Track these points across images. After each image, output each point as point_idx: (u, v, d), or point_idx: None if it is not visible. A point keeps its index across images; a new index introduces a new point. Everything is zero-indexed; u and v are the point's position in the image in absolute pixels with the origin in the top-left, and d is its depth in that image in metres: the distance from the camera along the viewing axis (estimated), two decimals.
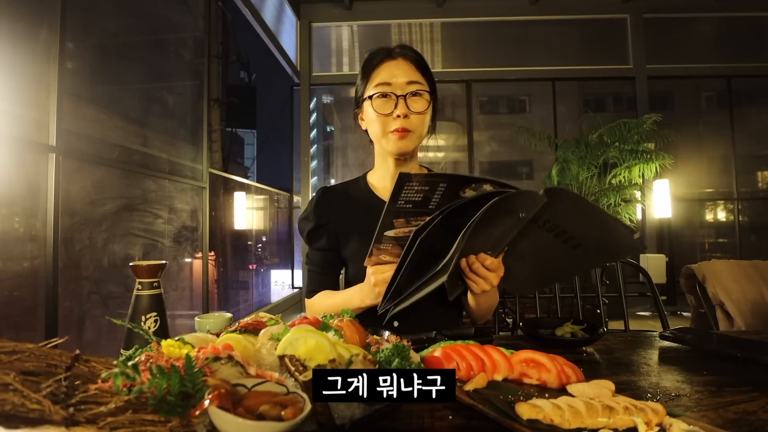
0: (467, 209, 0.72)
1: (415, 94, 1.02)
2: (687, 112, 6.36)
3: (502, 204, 0.69)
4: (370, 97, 1.03)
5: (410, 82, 1.02)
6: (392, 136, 1.02)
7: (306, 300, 1.15)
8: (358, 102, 1.10)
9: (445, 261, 0.71)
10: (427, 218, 0.75)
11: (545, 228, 0.77)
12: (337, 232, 1.12)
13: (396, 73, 1.02)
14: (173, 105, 3.10)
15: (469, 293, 0.96)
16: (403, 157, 1.08)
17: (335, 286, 1.15)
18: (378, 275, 0.90)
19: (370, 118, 1.05)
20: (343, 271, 1.18)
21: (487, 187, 0.73)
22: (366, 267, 0.93)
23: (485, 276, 0.83)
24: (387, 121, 1.02)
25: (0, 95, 1.65)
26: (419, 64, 1.05)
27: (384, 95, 1.02)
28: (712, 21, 5.76)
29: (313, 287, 1.14)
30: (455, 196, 0.75)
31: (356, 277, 1.08)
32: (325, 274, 1.14)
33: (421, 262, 0.78)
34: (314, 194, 1.17)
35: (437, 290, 0.78)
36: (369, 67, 1.06)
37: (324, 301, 1.09)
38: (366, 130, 1.13)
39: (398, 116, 1.01)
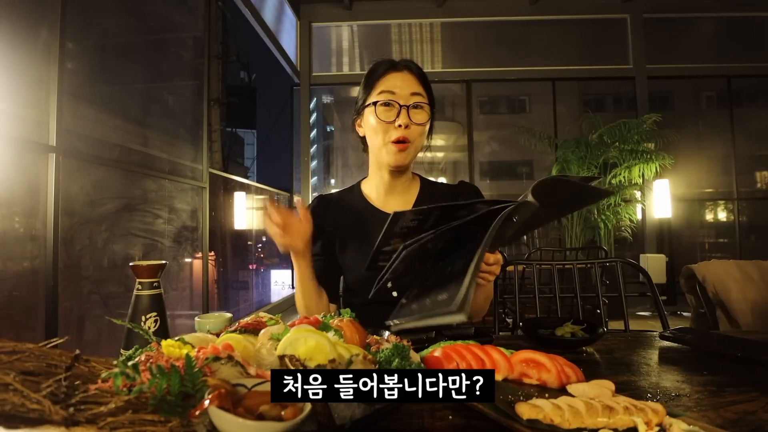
0: (465, 226, 0.74)
1: (417, 106, 1.04)
2: (687, 112, 6.37)
3: (501, 220, 0.71)
4: (374, 104, 1.04)
5: (413, 94, 1.04)
6: (391, 148, 1.04)
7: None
8: (359, 110, 1.12)
9: (461, 299, 0.64)
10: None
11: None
12: (332, 240, 1.13)
13: (400, 85, 1.04)
14: (173, 105, 3.10)
15: None
16: (398, 170, 1.10)
17: (334, 291, 1.14)
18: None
19: (370, 125, 1.07)
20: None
21: (481, 206, 0.75)
22: (364, 274, 0.93)
23: (489, 271, 0.87)
24: (388, 129, 1.04)
25: (0, 95, 1.65)
26: (422, 78, 1.08)
27: (387, 104, 1.04)
28: (712, 21, 5.75)
29: None
30: (450, 217, 0.78)
31: (354, 283, 1.09)
32: (321, 281, 1.12)
33: (419, 258, 0.80)
34: (311, 202, 1.18)
35: (434, 288, 0.79)
36: (373, 77, 1.08)
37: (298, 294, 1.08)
38: (362, 138, 1.15)
39: (399, 125, 1.02)
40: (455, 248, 0.77)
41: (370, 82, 1.08)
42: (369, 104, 1.06)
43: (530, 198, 0.68)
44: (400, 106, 1.03)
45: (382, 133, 1.04)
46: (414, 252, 0.78)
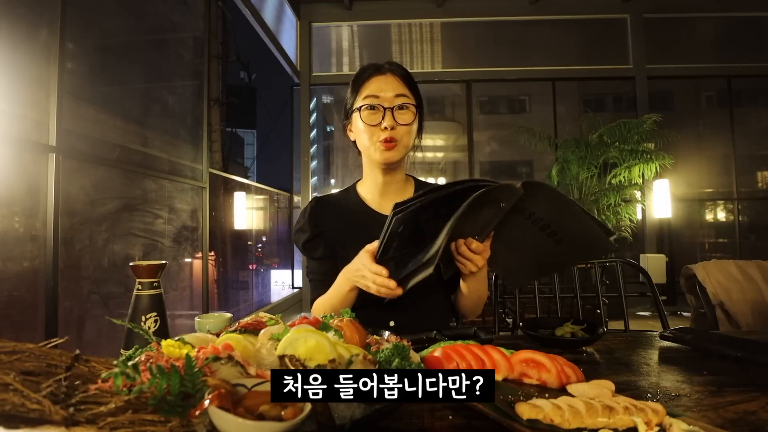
0: (452, 201, 0.78)
1: (401, 107, 1.06)
2: (687, 112, 6.36)
3: (484, 196, 0.74)
4: (359, 109, 1.07)
5: (397, 95, 1.06)
6: (379, 146, 1.07)
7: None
8: (347, 114, 1.15)
9: (430, 254, 0.75)
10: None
11: (531, 220, 0.83)
12: (332, 242, 1.13)
13: (384, 87, 1.07)
14: (173, 105, 3.10)
15: (461, 279, 1.03)
16: (389, 167, 1.12)
17: None
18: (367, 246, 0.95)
19: (358, 129, 1.09)
20: None
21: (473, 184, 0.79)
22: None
23: (471, 258, 0.89)
24: (374, 131, 1.06)
25: (0, 95, 1.65)
26: (406, 79, 1.10)
27: (372, 107, 1.06)
28: (712, 21, 5.75)
29: (316, 295, 1.14)
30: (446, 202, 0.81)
31: None
32: (328, 282, 1.12)
33: (413, 238, 0.86)
34: (307, 205, 1.19)
35: (430, 288, 0.84)
36: (359, 81, 1.10)
37: (320, 300, 1.10)
38: (354, 142, 1.16)
39: (385, 128, 1.05)
40: (443, 227, 0.80)
41: (355, 86, 1.11)
42: (355, 109, 1.09)
43: (518, 185, 0.71)
44: (385, 108, 1.05)
45: (369, 135, 1.07)
46: (406, 225, 0.82)
